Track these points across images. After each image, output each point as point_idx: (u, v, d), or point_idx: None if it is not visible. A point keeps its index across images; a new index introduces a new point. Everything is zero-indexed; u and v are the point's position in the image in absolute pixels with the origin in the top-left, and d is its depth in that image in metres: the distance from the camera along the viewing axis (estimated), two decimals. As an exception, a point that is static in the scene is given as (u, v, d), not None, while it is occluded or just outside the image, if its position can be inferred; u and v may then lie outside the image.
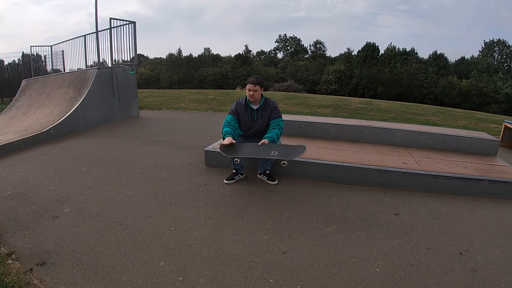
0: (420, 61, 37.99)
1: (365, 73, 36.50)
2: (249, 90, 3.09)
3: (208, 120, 7.15)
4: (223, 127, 3.13)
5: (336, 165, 3.31)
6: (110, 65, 6.69)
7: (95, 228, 2.36)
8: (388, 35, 73.00)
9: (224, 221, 2.49)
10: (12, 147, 4.32)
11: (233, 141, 2.94)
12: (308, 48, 49.01)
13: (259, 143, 2.96)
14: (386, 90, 35.46)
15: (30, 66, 9.20)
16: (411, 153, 3.92)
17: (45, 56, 9.04)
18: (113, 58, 6.60)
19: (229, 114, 3.22)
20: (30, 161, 3.95)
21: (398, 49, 38.38)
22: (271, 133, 3.06)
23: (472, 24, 66.14)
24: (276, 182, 3.25)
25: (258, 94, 3.13)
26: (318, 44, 47.25)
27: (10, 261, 1.94)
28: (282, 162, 2.84)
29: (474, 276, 1.91)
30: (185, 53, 46.72)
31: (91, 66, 7.08)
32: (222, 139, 3.08)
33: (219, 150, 3.01)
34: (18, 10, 74.70)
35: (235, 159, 2.92)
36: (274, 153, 2.88)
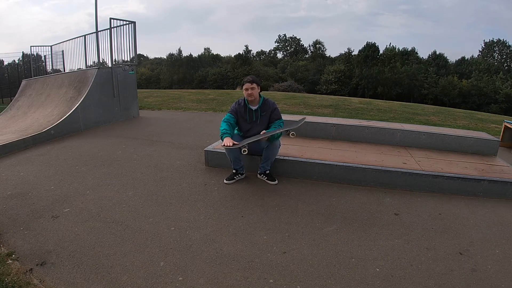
0: (420, 61, 38.00)
1: (365, 73, 36.51)
2: (247, 90, 3.10)
3: (208, 120, 7.15)
4: (221, 123, 3.14)
5: (336, 165, 3.31)
6: (110, 65, 6.69)
7: (95, 228, 2.36)
8: (389, 35, 73.08)
9: (224, 221, 2.49)
10: (12, 147, 4.32)
11: (234, 142, 2.95)
12: (308, 48, 49.12)
13: (261, 133, 3.02)
14: (386, 90, 35.47)
15: (30, 66, 9.20)
16: (411, 153, 3.92)
17: (45, 56, 9.05)
18: (113, 58, 6.60)
19: (228, 112, 3.23)
20: (30, 161, 3.95)
21: (398, 49, 38.43)
22: (271, 129, 3.10)
23: (472, 24, 66.22)
24: (276, 182, 3.25)
25: (256, 92, 3.14)
26: (317, 44, 47.34)
27: (10, 261, 1.94)
28: (291, 133, 2.90)
29: (474, 276, 1.91)
30: (185, 53, 46.89)
31: (91, 66, 7.09)
32: (220, 139, 3.08)
33: (219, 150, 3.02)
34: (17, 10, 74.82)
35: (243, 150, 2.89)
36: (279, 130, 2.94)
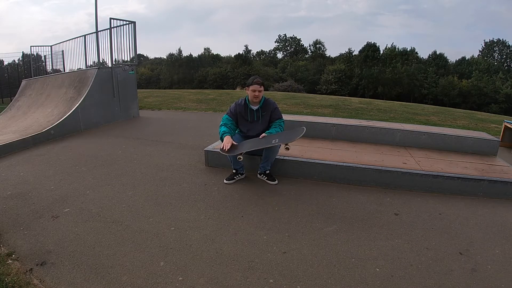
0: (420, 61, 38.01)
1: (365, 73, 36.51)
2: (254, 91, 3.08)
3: (208, 120, 7.15)
4: (219, 127, 3.14)
5: (336, 165, 3.31)
6: (110, 65, 6.69)
7: (95, 228, 2.36)
8: (389, 35, 73.19)
9: (224, 221, 2.49)
10: (12, 147, 4.32)
11: (233, 141, 2.95)
12: (308, 48, 49.13)
13: (260, 137, 3.02)
14: (386, 90, 35.47)
15: (30, 66, 9.20)
16: (411, 153, 3.92)
17: (45, 56, 9.05)
18: (113, 58, 6.60)
19: (226, 114, 3.23)
20: (30, 161, 3.95)
21: (398, 49, 38.41)
22: (271, 130, 3.12)
23: (472, 24, 66.21)
24: (276, 182, 3.25)
25: (262, 94, 3.15)
26: (317, 44, 47.34)
27: (10, 261, 1.94)
28: (285, 146, 2.88)
29: (474, 276, 1.91)
30: (185, 53, 46.88)
31: (91, 66, 7.09)
32: (220, 140, 3.09)
33: (219, 150, 3.03)
34: (17, 10, 74.75)
35: (238, 157, 2.92)
36: (275, 140, 2.93)
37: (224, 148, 2.91)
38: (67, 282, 1.78)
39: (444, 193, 3.11)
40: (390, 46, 38.78)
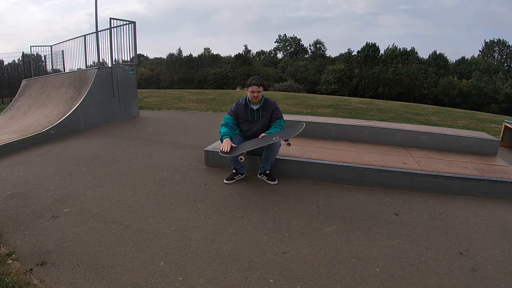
0: (420, 61, 38.00)
1: (365, 73, 36.49)
2: (253, 92, 3.09)
3: (208, 120, 7.15)
4: (220, 127, 3.15)
5: (336, 165, 3.31)
6: (110, 65, 6.69)
7: (95, 228, 2.36)
8: (389, 35, 73.25)
9: (224, 221, 2.49)
10: (12, 147, 4.32)
11: (232, 144, 2.97)
12: (308, 48, 49.13)
13: (259, 137, 3.03)
14: (386, 90, 35.46)
15: (30, 66, 9.19)
16: (411, 153, 3.92)
17: (45, 56, 9.05)
18: (113, 58, 6.60)
19: (228, 114, 3.24)
20: (30, 161, 3.95)
21: (399, 49, 38.37)
22: (271, 130, 3.13)
23: (472, 24, 66.20)
24: (276, 182, 3.25)
25: (261, 94, 3.15)
26: (318, 44, 47.33)
27: (10, 261, 1.94)
28: (287, 142, 2.89)
29: (474, 276, 1.91)
30: (185, 53, 46.87)
31: (91, 66, 7.09)
32: (220, 140, 3.10)
33: (219, 150, 3.03)
34: (17, 10, 74.75)
35: (239, 158, 2.92)
36: (276, 138, 2.95)
37: (224, 150, 2.92)
38: (67, 282, 1.78)
39: (444, 193, 3.11)
40: (392, 47, 38.74)
